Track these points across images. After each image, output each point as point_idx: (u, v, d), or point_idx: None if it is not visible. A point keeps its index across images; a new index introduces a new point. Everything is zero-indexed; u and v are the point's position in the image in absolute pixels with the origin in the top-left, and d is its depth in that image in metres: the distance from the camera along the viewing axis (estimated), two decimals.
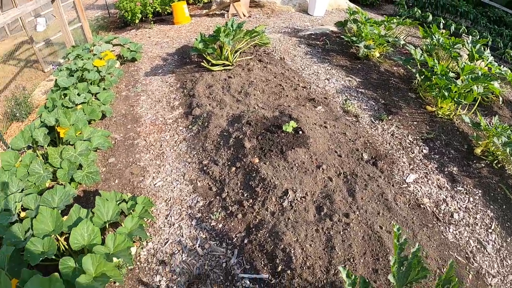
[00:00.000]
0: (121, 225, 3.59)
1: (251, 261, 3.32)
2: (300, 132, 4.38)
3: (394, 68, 6.61)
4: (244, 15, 10.05)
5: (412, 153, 4.51)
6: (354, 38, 7.06)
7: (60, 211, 3.75)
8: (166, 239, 3.77)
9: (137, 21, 10.36)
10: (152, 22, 10.54)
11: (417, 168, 4.30)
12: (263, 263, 3.27)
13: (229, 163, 4.35)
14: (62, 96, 6.04)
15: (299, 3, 10.47)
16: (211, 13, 10.72)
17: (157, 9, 10.51)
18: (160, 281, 3.40)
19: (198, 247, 3.60)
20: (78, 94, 5.93)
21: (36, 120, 5.48)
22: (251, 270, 3.27)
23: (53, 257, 3.43)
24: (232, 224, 3.68)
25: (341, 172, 4.03)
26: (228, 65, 6.49)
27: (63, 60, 8.98)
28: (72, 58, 7.38)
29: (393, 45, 7.42)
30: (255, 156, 4.21)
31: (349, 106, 5.31)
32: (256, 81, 5.86)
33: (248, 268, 3.29)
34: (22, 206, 4.16)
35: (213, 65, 6.51)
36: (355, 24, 7.69)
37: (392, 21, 7.50)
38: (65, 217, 3.68)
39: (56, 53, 10.14)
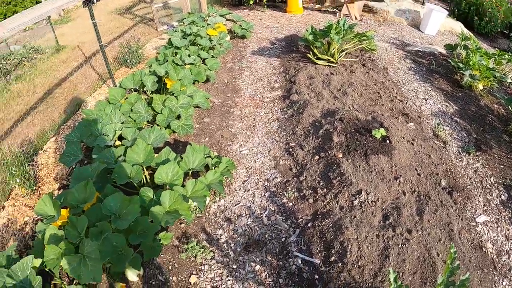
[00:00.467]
0: (203, 177, 3.93)
1: (308, 244, 3.51)
2: (387, 141, 4.48)
3: (495, 105, 6.38)
4: (356, 18, 10.07)
5: (490, 195, 4.35)
6: (460, 65, 6.88)
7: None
8: (238, 201, 4.08)
9: (251, 2, 10.74)
10: (265, 6, 10.87)
11: (490, 211, 4.14)
12: (319, 249, 3.44)
13: (314, 151, 4.55)
14: (174, 54, 6.55)
15: (413, 17, 10.28)
16: (323, 9, 10.85)
17: None
18: (221, 235, 3.71)
19: (265, 217, 3.86)
20: (189, 55, 6.41)
21: (146, 69, 6.01)
22: (306, 252, 3.45)
23: (135, 184, 3.88)
24: (301, 206, 3.90)
25: (416, 189, 4.06)
26: (332, 62, 6.63)
27: (177, 24, 9.58)
28: (187, 23, 7.93)
29: (499, 81, 7.10)
30: (340, 151, 4.38)
31: (440, 131, 5.27)
32: (356, 84, 5.97)
33: (304, 249, 3.48)
34: (119, 135, 4.67)
35: (318, 58, 6.69)
36: (464, 50, 7.45)
37: (503, 56, 7.20)
38: (155, 155, 4.08)
39: (171, 16, 10.81)
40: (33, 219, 4.36)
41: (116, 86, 6.31)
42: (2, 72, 8.66)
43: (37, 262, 3.16)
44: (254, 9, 10.81)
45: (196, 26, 7.59)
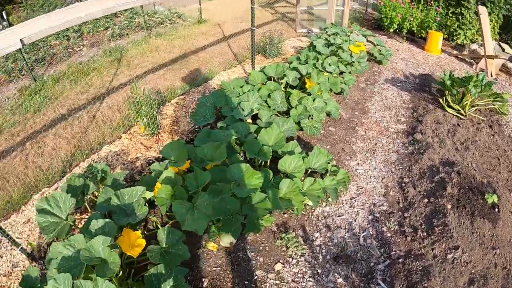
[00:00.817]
0: (319, 179, 4.08)
1: (393, 277, 3.55)
2: (496, 210, 4.37)
3: None
4: (491, 75, 9.64)
5: None
6: None
7: None
8: (342, 213, 4.21)
9: (391, 30, 10.59)
10: (404, 38, 10.74)
11: None
12: (401, 286, 3.47)
13: (425, 193, 4.55)
14: (316, 59, 6.82)
15: None
16: (460, 56, 10.47)
17: (412, 28, 10.55)
18: (317, 238, 3.85)
19: (362, 237, 3.94)
20: (329, 64, 6.61)
21: (285, 64, 6.31)
22: (388, 284, 3.50)
23: (257, 163, 4.17)
24: (398, 241, 3.94)
25: (507, 266, 3.92)
26: (461, 114, 6.44)
27: (318, 30, 9.81)
28: (330, 33, 8.07)
29: None
30: (449, 203, 4.34)
31: None
32: (479, 143, 5.78)
33: (388, 281, 3.53)
34: (255, 114, 4.97)
35: (449, 106, 6.52)
36: None
37: None
38: (285, 143, 4.32)
39: (311, 21, 11.07)
40: (145, 158, 4.77)
41: (254, 69, 6.71)
42: (146, 25, 9.58)
43: (148, 194, 3.46)
44: (392, 37, 10.72)
45: (340, 38, 7.73)
